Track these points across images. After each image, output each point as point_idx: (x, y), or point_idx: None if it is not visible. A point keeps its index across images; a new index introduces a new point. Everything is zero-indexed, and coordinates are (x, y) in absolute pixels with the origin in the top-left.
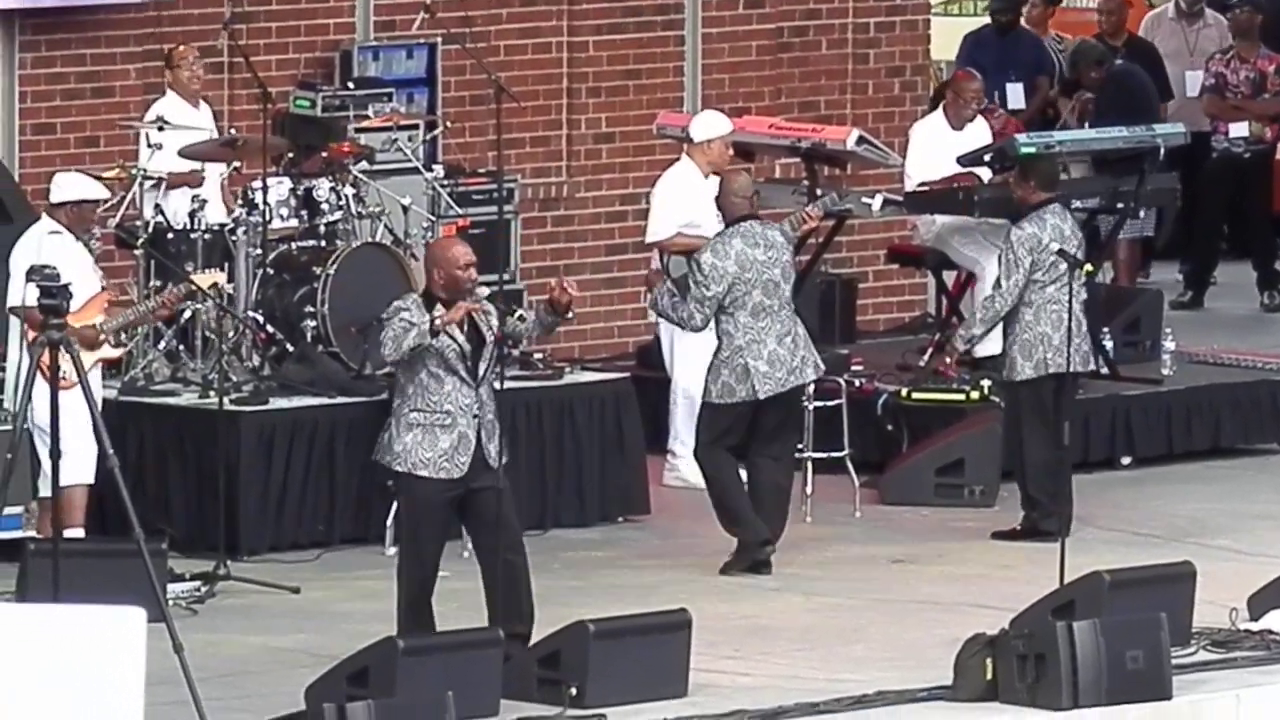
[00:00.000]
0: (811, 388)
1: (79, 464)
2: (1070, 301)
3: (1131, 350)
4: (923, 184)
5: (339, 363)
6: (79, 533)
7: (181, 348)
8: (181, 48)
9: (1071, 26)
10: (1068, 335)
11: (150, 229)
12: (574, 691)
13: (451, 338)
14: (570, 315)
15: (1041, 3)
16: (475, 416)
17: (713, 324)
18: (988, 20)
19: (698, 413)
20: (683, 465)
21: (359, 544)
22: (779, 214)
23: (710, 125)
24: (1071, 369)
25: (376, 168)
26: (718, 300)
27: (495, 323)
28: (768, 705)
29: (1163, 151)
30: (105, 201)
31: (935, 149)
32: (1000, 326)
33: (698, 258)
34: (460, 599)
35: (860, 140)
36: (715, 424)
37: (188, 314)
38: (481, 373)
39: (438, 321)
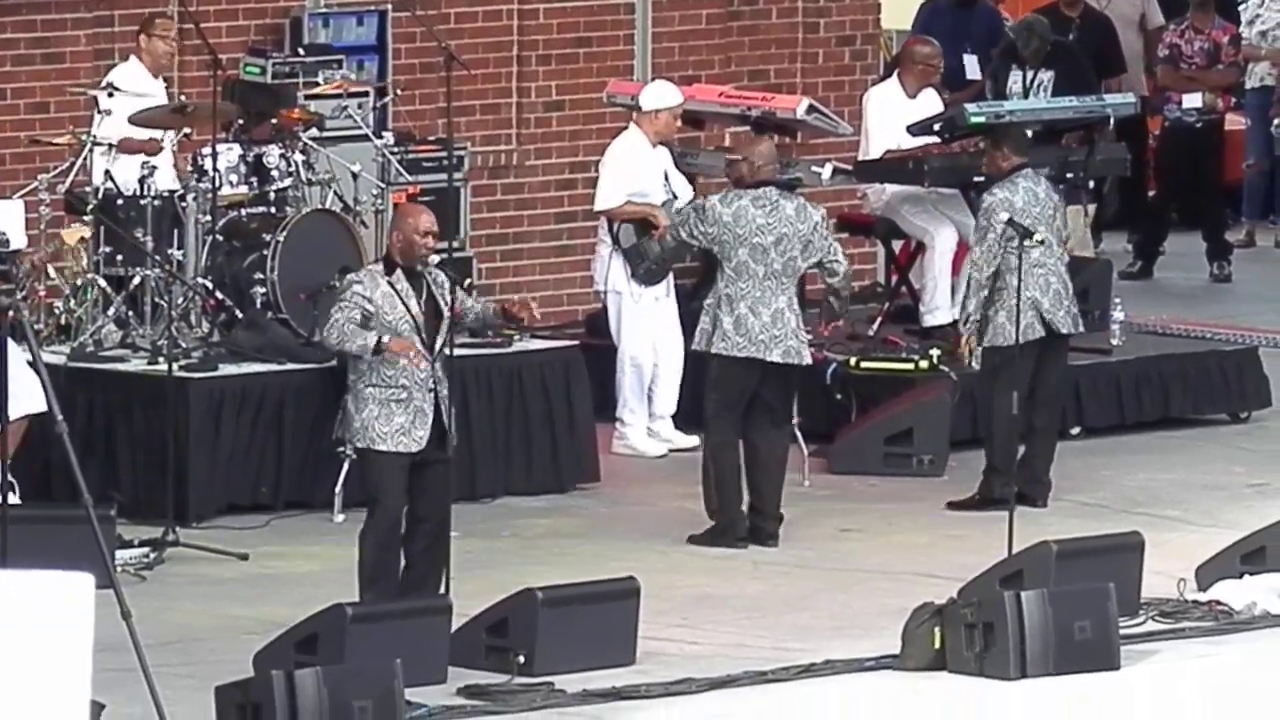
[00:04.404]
0: None
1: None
2: (1019, 270)
3: (1081, 320)
4: (889, 151)
5: (288, 329)
6: None
7: (131, 314)
8: (160, 17)
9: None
10: (1017, 300)
11: (100, 195)
12: (521, 659)
13: (406, 308)
14: (513, 328)
15: None
16: (431, 390)
17: (664, 289)
18: None
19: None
20: (631, 433)
21: (308, 510)
22: (720, 182)
23: (660, 96)
24: (1067, 330)
25: (326, 135)
26: (703, 240)
27: (448, 297)
28: (716, 674)
29: (1112, 121)
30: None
31: (891, 116)
32: (954, 297)
33: (705, 198)
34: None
35: (810, 109)
36: (722, 382)
37: (136, 280)
38: (438, 346)
39: (384, 344)
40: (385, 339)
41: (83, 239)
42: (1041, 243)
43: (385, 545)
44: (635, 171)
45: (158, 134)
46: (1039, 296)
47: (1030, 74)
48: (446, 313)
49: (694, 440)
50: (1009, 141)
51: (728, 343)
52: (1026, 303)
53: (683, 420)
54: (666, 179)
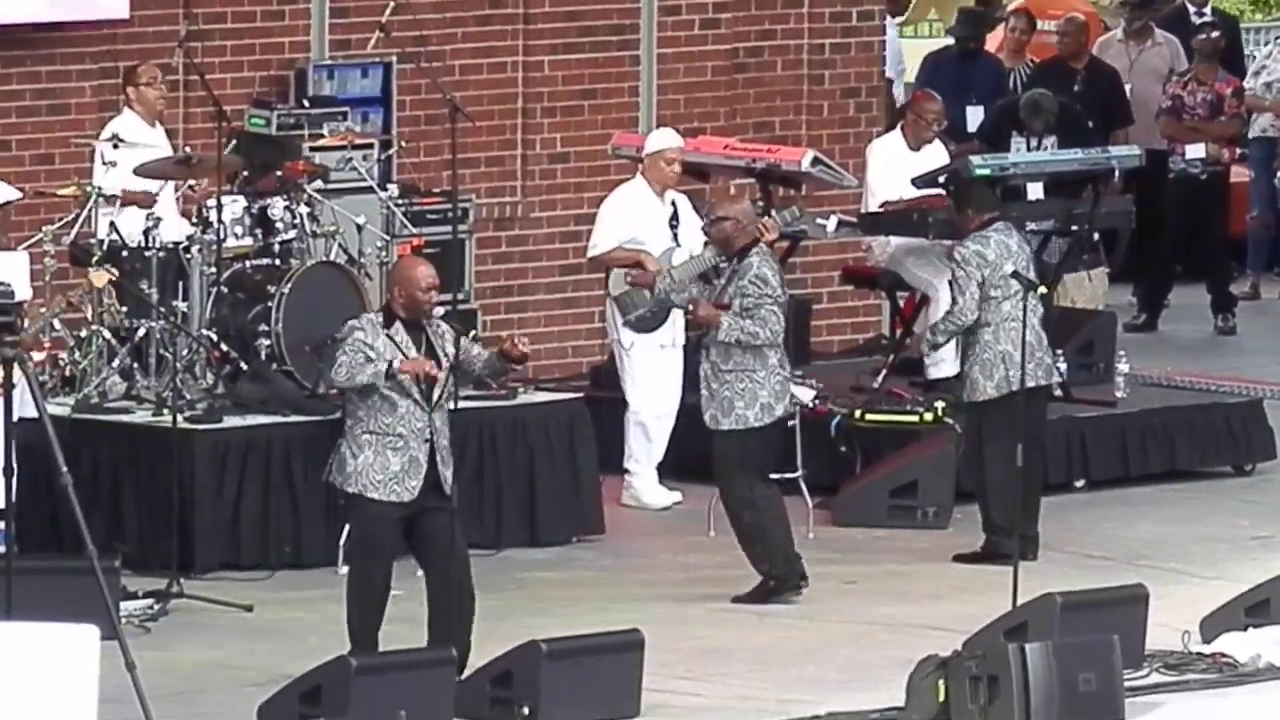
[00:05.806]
0: None
1: None
2: (1024, 320)
3: (1085, 372)
4: (887, 203)
5: (293, 381)
6: None
7: (135, 366)
8: (143, 65)
9: (1032, 49)
10: (1022, 352)
11: (105, 247)
12: (526, 711)
13: (405, 358)
14: (520, 367)
15: (1021, 30)
16: (427, 441)
17: (671, 339)
18: (949, 42)
19: (726, 443)
20: (637, 484)
21: (312, 562)
22: None
23: (658, 139)
24: (1036, 383)
25: (331, 186)
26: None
27: (451, 349)
28: None
29: (1118, 173)
30: (14, 202)
31: (894, 169)
32: (957, 348)
33: (759, 273)
34: (415, 619)
35: (815, 161)
36: (752, 452)
37: (141, 332)
38: (436, 398)
39: (396, 365)
40: (395, 363)
41: (110, 281)
42: (1046, 295)
43: (365, 601)
44: (631, 219)
45: (153, 185)
46: (1010, 350)
47: (1034, 140)
48: (445, 364)
49: (676, 496)
50: (972, 203)
51: (781, 409)
52: (998, 356)
53: (670, 472)
54: (675, 227)
